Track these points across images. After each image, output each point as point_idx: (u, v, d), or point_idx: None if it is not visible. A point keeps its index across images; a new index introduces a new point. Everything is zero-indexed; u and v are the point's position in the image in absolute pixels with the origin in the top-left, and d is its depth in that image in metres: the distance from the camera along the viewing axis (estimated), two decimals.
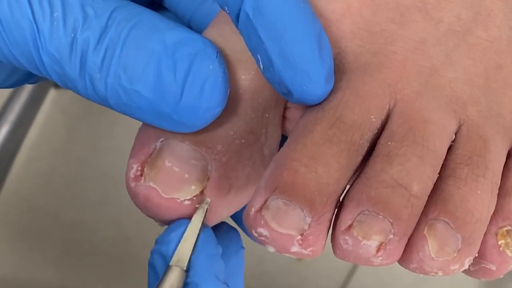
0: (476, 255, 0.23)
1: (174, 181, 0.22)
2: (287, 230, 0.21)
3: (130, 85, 0.21)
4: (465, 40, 0.25)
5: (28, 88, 0.56)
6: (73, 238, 0.57)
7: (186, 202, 0.22)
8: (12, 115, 0.56)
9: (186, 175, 0.22)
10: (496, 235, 0.23)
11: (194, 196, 0.22)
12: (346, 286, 0.56)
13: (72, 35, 0.21)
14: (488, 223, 0.23)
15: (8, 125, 0.56)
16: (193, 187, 0.22)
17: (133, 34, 0.21)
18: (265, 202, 0.21)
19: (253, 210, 0.21)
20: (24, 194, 0.57)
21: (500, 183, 0.24)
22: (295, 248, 0.21)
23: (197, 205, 0.23)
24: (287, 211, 0.21)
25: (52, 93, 0.58)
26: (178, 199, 0.22)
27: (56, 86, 0.58)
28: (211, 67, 0.22)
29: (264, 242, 0.21)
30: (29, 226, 0.57)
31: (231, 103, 0.23)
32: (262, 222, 0.21)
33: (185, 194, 0.22)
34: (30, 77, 0.26)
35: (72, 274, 0.56)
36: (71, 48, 0.21)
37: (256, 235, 0.21)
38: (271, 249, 0.22)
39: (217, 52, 0.22)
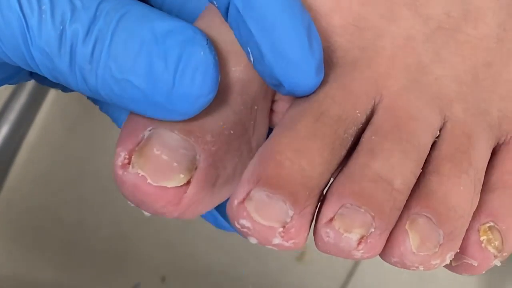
0: (458, 250, 0.23)
1: (163, 169, 0.22)
2: (269, 222, 0.21)
3: (121, 75, 0.21)
4: (454, 37, 0.25)
5: (28, 88, 0.56)
6: (73, 238, 0.56)
7: (174, 191, 0.22)
8: (12, 115, 0.56)
9: (175, 164, 0.22)
10: (479, 231, 0.23)
11: (182, 185, 0.23)
12: (346, 286, 0.56)
13: (61, 27, 0.21)
14: (470, 219, 0.23)
15: (8, 125, 0.56)
16: (181, 175, 0.22)
17: (122, 24, 0.21)
18: (248, 194, 0.21)
19: (236, 201, 0.21)
20: (24, 194, 0.57)
21: (484, 180, 0.24)
22: (277, 240, 0.21)
23: None
24: (270, 203, 0.21)
25: (52, 93, 0.58)
26: (166, 187, 0.22)
27: None
28: (202, 53, 0.21)
29: (246, 234, 0.22)
30: (29, 226, 0.57)
31: (221, 94, 0.23)
32: (245, 213, 0.21)
33: (174, 182, 0.22)
34: (16, 75, 0.26)
35: (72, 274, 0.56)
36: (60, 41, 0.21)
37: (238, 226, 0.21)
38: (253, 240, 0.22)
39: (207, 39, 0.22)
